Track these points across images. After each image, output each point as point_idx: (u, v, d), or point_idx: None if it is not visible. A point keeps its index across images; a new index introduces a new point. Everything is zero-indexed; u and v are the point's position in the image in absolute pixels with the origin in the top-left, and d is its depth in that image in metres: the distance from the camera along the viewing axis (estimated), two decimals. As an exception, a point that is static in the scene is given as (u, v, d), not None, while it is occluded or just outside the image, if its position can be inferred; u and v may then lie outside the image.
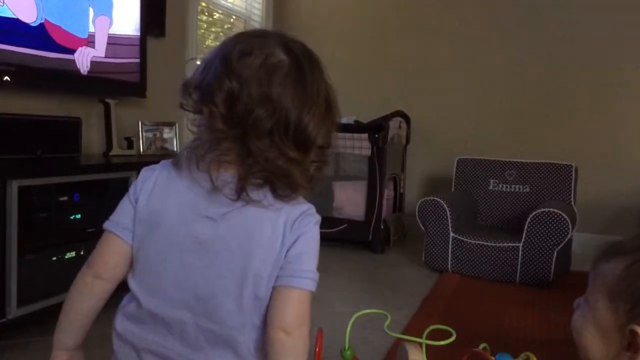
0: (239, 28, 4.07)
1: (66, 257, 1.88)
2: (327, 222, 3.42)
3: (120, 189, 2.02)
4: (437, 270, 2.95)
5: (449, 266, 2.92)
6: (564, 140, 3.65)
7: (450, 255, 2.91)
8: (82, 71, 2.28)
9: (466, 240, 2.87)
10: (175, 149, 2.92)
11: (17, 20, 1.96)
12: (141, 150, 2.72)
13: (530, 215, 2.73)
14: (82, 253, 1.91)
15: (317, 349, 1.20)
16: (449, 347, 1.23)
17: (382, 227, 3.34)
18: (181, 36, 3.23)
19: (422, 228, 3.01)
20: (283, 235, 0.83)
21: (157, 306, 0.83)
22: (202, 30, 3.67)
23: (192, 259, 0.82)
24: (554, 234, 2.67)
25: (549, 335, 2.07)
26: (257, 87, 0.79)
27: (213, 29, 3.90)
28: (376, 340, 1.91)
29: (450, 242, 2.91)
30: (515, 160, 3.25)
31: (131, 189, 0.89)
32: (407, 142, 3.87)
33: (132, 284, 0.87)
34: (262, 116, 0.78)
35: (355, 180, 3.50)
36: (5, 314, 1.67)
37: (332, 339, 1.55)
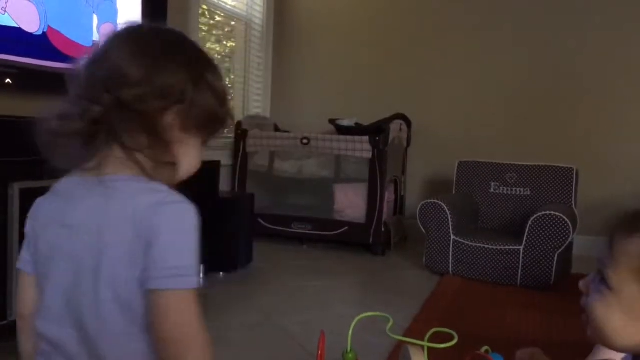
0: (240, 31, 4.08)
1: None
2: (328, 224, 3.44)
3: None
4: (438, 273, 2.95)
5: (450, 269, 2.91)
6: (564, 143, 3.65)
7: (451, 258, 2.91)
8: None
9: (467, 243, 2.87)
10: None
11: (20, 29, 1.96)
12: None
13: (531, 218, 2.73)
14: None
15: (319, 352, 1.20)
16: (451, 350, 1.23)
17: (382, 229, 3.34)
18: (182, 39, 3.24)
19: (423, 231, 3.01)
20: (134, 229, 0.73)
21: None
22: (204, 33, 3.67)
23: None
24: (555, 237, 2.67)
25: (550, 337, 2.07)
26: None
27: (214, 32, 3.91)
28: (378, 343, 1.91)
29: (451, 245, 2.91)
30: (516, 163, 3.25)
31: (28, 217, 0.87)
32: (408, 144, 3.87)
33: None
34: None
35: (356, 183, 3.50)
36: (7, 315, 1.68)
37: (333, 341, 1.55)
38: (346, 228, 3.40)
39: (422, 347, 1.24)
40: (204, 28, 3.69)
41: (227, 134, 3.83)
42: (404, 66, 4.07)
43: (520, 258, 2.74)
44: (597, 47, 3.59)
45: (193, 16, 3.33)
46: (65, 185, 0.83)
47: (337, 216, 3.49)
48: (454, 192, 3.37)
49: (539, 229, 2.70)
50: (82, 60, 0.80)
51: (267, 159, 3.76)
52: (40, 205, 0.84)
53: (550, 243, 2.68)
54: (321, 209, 3.54)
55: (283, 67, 4.39)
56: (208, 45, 3.82)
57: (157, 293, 0.71)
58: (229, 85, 4.07)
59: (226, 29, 4.03)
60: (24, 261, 0.84)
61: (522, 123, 3.78)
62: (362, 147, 3.36)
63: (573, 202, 3.06)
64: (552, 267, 2.69)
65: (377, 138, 3.33)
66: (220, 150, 3.66)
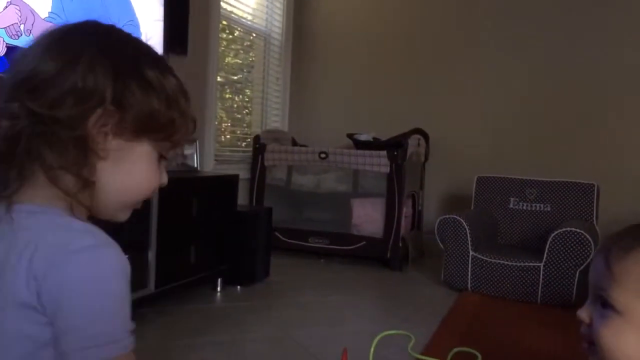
0: (259, 45, 4.12)
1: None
2: (345, 239, 3.43)
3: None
4: (456, 289, 2.92)
5: (469, 285, 2.88)
6: (585, 159, 3.61)
7: (470, 274, 2.88)
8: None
9: (486, 259, 2.84)
10: (196, 166, 2.94)
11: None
12: (162, 166, 2.73)
13: (552, 235, 2.69)
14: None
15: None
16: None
17: (400, 244, 3.32)
18: (203, 54, 3.28)
19: (441, 246, 2.99)
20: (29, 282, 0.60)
21: None
22: (222, 48, 3.71)
23: None
24: (575, 254, 2.63)
25: (571, 357, 2.03)
26: None
27: (233, 47, 3.95)
28: (396, 360, 1.89)
29: (470, 261, 2.88)
30: (536, 178, 3.22)
31: None
32: (426, 159, 3.86)
33: None
34: None
35: (374, 198, 3.49)
36: None
37: (351, 357, 1.55)
38: (364, 243, 3.38)
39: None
40: (223, 43, 3.73)
41: (245, 148, 3.86)
42: (422, 81, 4.07)
43: (541, 275, 2.71)
44: (618, 61, 3.56)
45: (213, 31, 3.37)
46: None
47: (354, 231, 3.48)
48: (472, 207, 3.34)
49: (560, 245, 2.66)
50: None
51: (285, 173, 3.77)
52: None
53: (571, 260, 2.64)
54: (339, 224, 3.53)
55: (301, 81, 4.41)
56: (227, 59, 3.86)
57: None
58: (246, 99, 4.10)
59: (245, 43, 4.07)
60: None
61: (542, 138, 3.75)
62: (379, 162, 3.36)
63: (594, 219, 3.01)
64: (574, 285, 2.65)
65: (395, 153, 3.32)
66: (238, 164, 3.68)
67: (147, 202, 2.12)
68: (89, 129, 0.65)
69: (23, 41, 1.90)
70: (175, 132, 0.73)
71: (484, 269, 2.84)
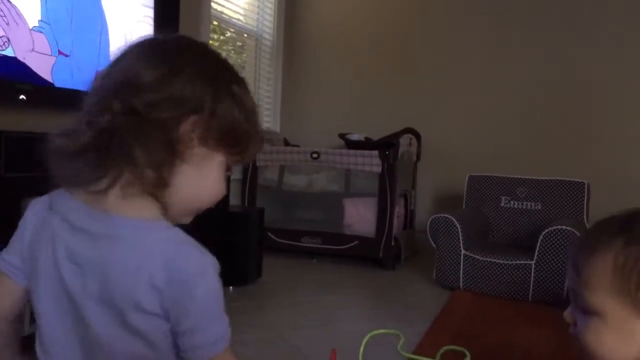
0: (250, 46, 4.12)
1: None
2: (337, 238, 3.43)
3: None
4: (448, 288, 2.93)
5: (461, 283, 2.89)
6: (575, 157, 3.63)
7: (461, 273, 2.89)
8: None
9: (478, 257, 2.85)
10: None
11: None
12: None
13: (543, 233, 2.71)
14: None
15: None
16: (462, 367, 1.22)
17: (392, 244, 3.33)
18: (193, 54, 3.27)
19: (433, 245, 3.00)
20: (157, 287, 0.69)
21: None
22: (214, 49, 3.70)
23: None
24: (566, 252, 2.64)
25: (562, 354, 2.04)
26: None
27: (224, 48, 3.94)
28: None
29: (461, 260, 2.89)
30: (526, 177, 3.24)
31: (22, 222, 0.79)
32: (418, 159, 3.87)
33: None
34: None
35: (366, 197, 3.49)
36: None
37: (343, 357, 1.55)
38: (356, 242, 3.39)
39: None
40: (215, 44, 3.73)
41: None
42: (414, 81, 4.08)
43: (532, 273, 2.72)
44: (608, 60, 3.58)
45: (204, 32, 3.36)
46: (68, 208, 0.73)
47: (346, 230, 3.48)
48: (464, 206, 3.36)
49: (551, 243, 2.67)
50: (95, 77, 0.74)
51: (277, 173, 3.77)
52: (45, 220, 0.75)
53: (562, 258, 2.65)
54: (331, 223, 3.54)
55: (293, 82, 4.42)
56: (218, 60, 3.84)
57: None
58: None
59: (237, 44, 4.06)
60: (8, 264, 0.77)
61: (533, 137, 3.77)
62: (371, 162, 3.36)
63: (585, 217, 3.03)
64: (564, 283, 2.66)
65: (387, 152, 3.33)
66: (230, 165, 3.68)
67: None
68: (180, 133, 0.70)
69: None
70: (248, 147, 0.79)
71: (475, 267, 2.86)
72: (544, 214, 3.12)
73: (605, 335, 0.79)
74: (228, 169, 0.79)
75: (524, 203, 3.20)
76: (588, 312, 0.81)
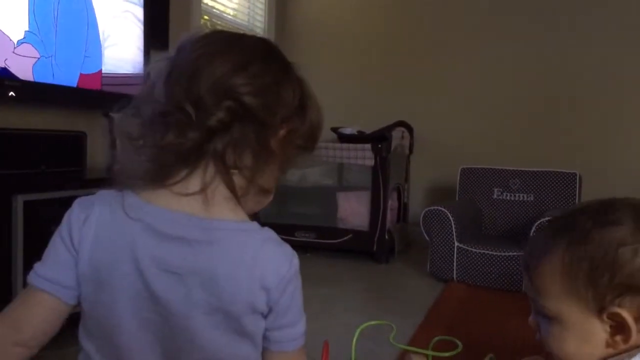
0: (242, 40, 4.09)
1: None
2: (331, 232, 3.44)
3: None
4: (442, 280, 2.94)
5: (454, 276, 2.91)
6: (567, 149, 3.65)
7: (455, 265, 2.91)
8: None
9: (471, 249, 2.87)
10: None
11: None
12: (145, 163, 2.72)
13: (535, 224, 2.72)
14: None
15: (322, 361, 1.20)
16: (455, 358, 1.23)
17: (386, 237, 3.34)
18: (184, 49, 3.25)
19: (427, 238, 3.01)
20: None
21: None
22: (205, 43, 3.68)
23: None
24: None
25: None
26: None
27: (216, 42, 3.92)
28: (382, 352, 1.90)
29: (455, 252, 2.90)
30: (519, 169, 3.25)
31: (64, 231, 0.74)
32: (411, 151, 3.87)
33: (87, 345, 0.73)
34: None
35: (359, 191, 3.50)
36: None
37: (337, 350, 1.55)
38: (350, 236, 3.39)
39: (426, 355, 1.24)
40: (205, 38, 3.70)
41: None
42: (406, 74, 4.08)
43: (525, 264, 2.73)
44: (600, 52, 3.59)
45: (194, 26, 3.34)
46: (150, 215, 0.69)
47: (340, 224, 3.49)
48: (457, 198, 3.37)
49: (543, 234, 2.69)
50: (155, 75, 0.70)
51: (270, 167, 3.76)
52: (113, 229, 0.70)
53: (554, 249, 2.67)
54: (324, 217, 3.54)
55: (285, 75, 4.40)
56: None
57: (281, 353, 0.76)
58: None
59: (228, 39, 4.04)
60: (57, 283, 0.71)
61: (525, 129, 3.78)
62: (364, 155, 3.37)
63: (577, 208, 3.05)
64: (557, 273, 2.68)
65: (380, 146, 3.33)
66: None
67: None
68: (278, 135, 0.72)
69: None
70: (316, 143, 0.81)
71: (469, 259, 2.87)
72: (536, 205, 3.13)
73: (567, 339, 0.79)
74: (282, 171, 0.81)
75: (517, 195, 3.21)
76: (547, 317, 0.81)
